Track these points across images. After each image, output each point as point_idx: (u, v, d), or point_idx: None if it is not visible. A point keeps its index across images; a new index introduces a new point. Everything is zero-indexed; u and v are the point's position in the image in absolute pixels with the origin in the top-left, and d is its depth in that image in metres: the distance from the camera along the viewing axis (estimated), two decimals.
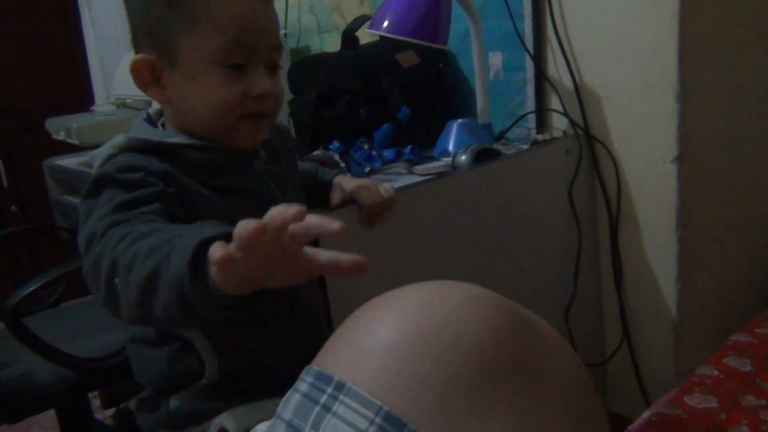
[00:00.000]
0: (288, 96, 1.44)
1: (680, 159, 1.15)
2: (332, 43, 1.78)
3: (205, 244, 0.52)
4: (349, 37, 1.42)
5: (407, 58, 1.42)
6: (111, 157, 0.74)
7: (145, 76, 0.76)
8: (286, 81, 1.45)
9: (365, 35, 1.41)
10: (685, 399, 0.93)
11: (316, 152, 1.13)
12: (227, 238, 0.50)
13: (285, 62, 1.74)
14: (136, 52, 0.77)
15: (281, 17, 1.92)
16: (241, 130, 0.77)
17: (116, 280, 0.59)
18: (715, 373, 0.99)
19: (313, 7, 1.84)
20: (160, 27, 0.74)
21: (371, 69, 1.34)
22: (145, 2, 0.75)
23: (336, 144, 1.16)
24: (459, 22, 1.31)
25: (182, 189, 0.73)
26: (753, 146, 1.29)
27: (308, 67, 1.43)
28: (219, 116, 0.75)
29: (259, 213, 0.85)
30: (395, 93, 1.33)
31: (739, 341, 1.07)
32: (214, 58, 0.73)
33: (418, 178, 1.07)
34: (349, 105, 1.30)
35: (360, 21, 1.43)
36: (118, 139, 0.76)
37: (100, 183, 0.70)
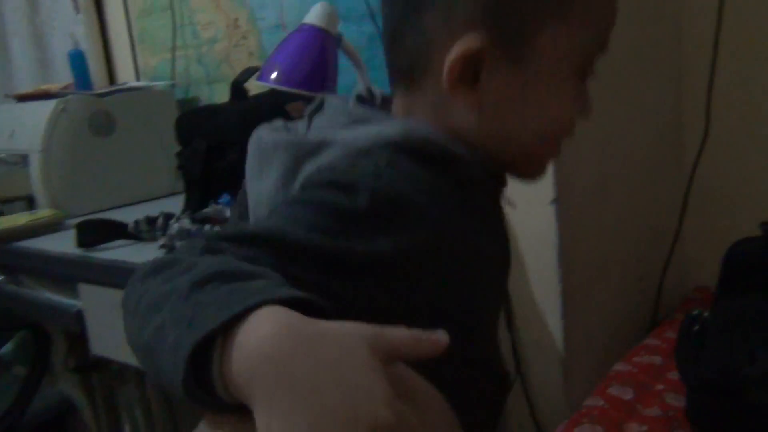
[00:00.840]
0: (176, 148, 1.42)
1: (558, 201, 1.23)
2: (222, 94, 1.77)
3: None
4: (237, 88, 1.42)
5: (298, 108, 1.44)
6: (364, 153, 0.50)
7: (466, 69, 0.52)
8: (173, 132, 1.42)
9: (256, 86, 1.42)
10: (575, 431, 0.97)
11: (206, 210, 1.11)
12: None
13: (173, 113, 1.71)
14: (441, 25, 0.52)
15: (168, 68, 1.90)
16: (547, 161, 0.60)
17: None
18: (601, 403, 1.04)
19: (202, 58, 1.83)
20: (513, 4, 0.52)
21: (261, 120, 1.34)
22: None
23: (226, 198, 1.15)
24: (347, 73, 1.35)
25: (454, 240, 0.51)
26: (621, 189, 1.39)
27: (197, 119, 1.41)
28: (551, 140, 0.58)
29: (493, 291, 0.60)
30: None
31: (621, 371, 1.13)
32: (577, 64, 0.55)
33: None
34: (239, 156, 1.29)
35: (249, 72, 1.44)
36: (384, 131, 0.51)
37: (360, 202, 0.47)
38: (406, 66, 0.57)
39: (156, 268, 0.44)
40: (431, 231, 0.49)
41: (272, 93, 1.41)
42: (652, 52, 1.44)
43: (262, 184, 0.60)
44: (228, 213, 1.11)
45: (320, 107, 0.61)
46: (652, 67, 1.44)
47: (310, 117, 0.62)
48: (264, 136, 0.58)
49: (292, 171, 0.55)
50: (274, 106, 1.39)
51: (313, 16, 1.38)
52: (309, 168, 0.53)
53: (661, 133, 1.50)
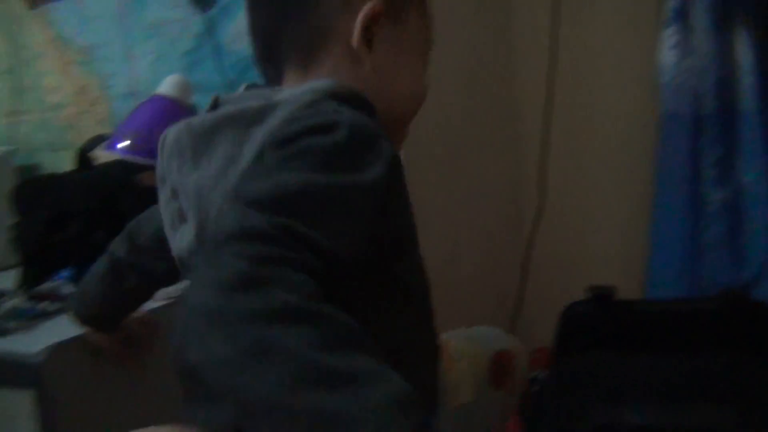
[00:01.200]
0: (11, 219, 1.32)
1: None
2: (67, 162, 1.68)
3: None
4: (83, 156, 1.36)
5: (150, 177, 1.39)
6: (314, 103, 0.53)
7: (368, 32, 0.59)
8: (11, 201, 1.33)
9: (103, 155, 1.36)
10: None
11: (43, 286, 1.04)
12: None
13: (11, 181, 1.60)
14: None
15: (6, 132, 1.78)
16: (402, 137, 0.66)
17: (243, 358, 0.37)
18: None
19: (46, 123, 1.74)
20: None
21: (108, 189, 1.29)
22: None
23: (67, 272, 1.08)
24: None
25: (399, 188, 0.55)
26: (469, 258, 1.47)
27: (37, 188, 1.33)
28: (412, 110, 0.63)
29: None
30: (137, 213, 1.29)
31: None
32: (427, 44, 0.63)
33: (156, 304, 1.02)
34: (83, 228, 1.23)
35: (97, 140, 1.38)
36: (319, 84, 0.55)
37: (354, 139, 0.49)
38: (305, 43, 0.61)
39: (286, 313, 0.38)
40: (394, 157, 0.53)
41: (120, 163, 1.37)
42: (489, 134, 1.56)
43: (203, 172, 0.56)
44: (67, 289, 1.04)
45: (215, 106, 0.61)
46: (490, 147, 1.56)
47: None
48: (193, 123, 0.56)
49: (239, 143, 0.54)
50: (121, 176, 1.34)
51: (167, 86, 1.37)
52: (258, 134, 0.53)
53: (501, 206, 1.61)
